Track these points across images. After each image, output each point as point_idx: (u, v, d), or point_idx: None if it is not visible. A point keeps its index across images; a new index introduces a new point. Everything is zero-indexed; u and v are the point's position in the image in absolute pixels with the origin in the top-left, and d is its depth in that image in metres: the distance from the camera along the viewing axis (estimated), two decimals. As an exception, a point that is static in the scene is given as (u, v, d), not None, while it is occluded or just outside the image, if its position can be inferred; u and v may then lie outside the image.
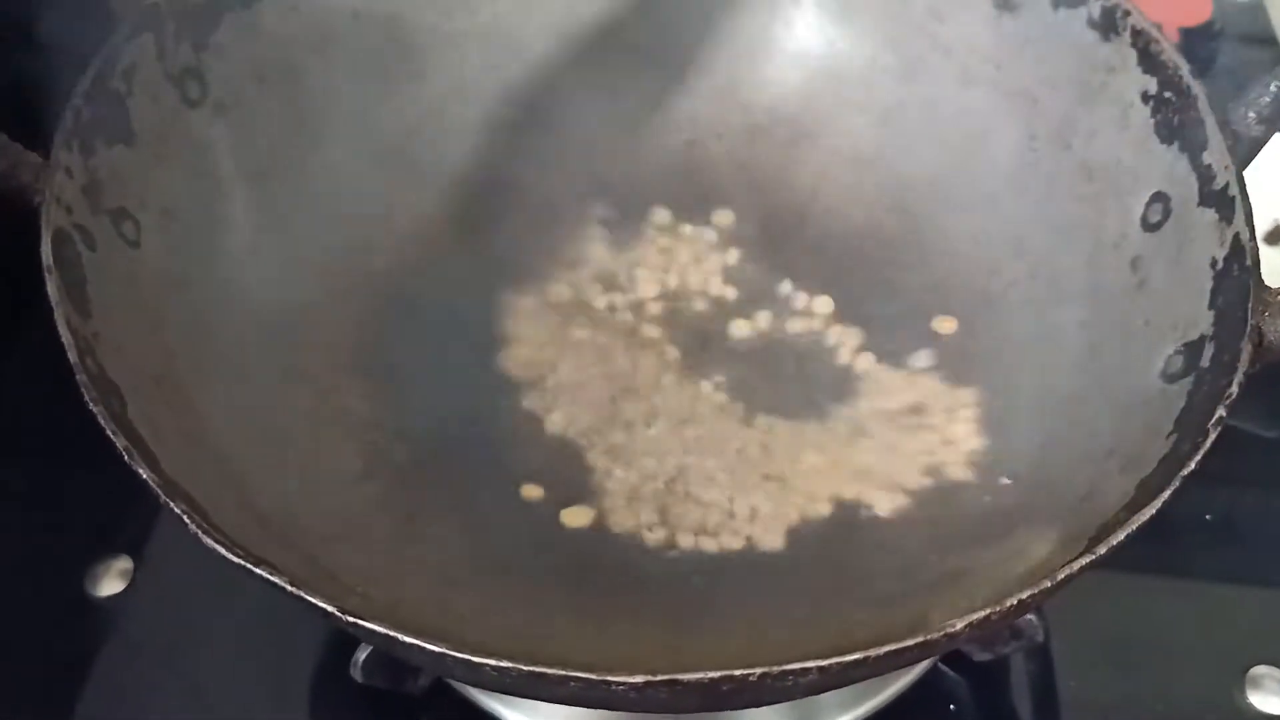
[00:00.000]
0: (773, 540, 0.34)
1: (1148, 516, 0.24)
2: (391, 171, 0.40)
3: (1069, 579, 0.23)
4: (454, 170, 0.41)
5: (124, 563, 0.38)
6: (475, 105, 0.42)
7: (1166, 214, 0.33)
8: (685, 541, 0.34)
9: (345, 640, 0.34)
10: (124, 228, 0.32)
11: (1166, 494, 0.24)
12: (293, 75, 0.38)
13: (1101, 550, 0.23)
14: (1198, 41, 0.53)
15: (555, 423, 0.36)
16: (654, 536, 0.34)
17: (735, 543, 0.34)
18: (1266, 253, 0.47)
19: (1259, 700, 0.36)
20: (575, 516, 0.34)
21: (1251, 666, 0.37)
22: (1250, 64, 0.56)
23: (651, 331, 0.39)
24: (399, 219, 0.40)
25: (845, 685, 0.24)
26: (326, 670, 0.36)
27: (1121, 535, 0.24)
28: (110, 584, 0.38)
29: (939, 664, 0.36)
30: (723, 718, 0.34)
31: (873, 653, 0.22)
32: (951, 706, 0.36)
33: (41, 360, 0.42)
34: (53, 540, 0.39)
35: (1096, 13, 0.36)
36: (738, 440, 0.36)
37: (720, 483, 0.35)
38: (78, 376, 0.26)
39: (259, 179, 0.37)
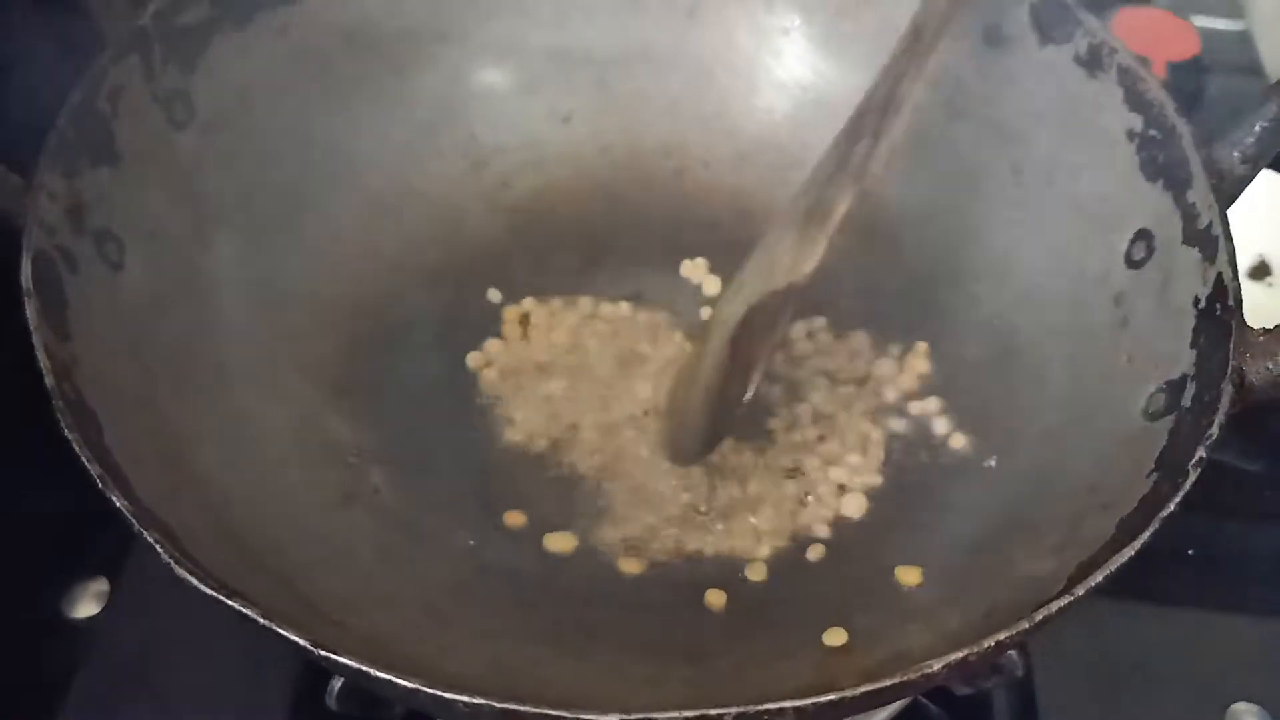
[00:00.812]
0: (756, 572, 0.34)
1: (1126, 558, 0.24)
2: (377, 196, 0.40)
3: (1046, 620, 0.23)
4: (440, 195, 0.41)
5: (100, 584, 0.38)
6: (462, 129, 0.42)
7: (1150, 251, 0.33)
8: (667, 571, 0.34)
9: (322, 668, 0.34)
10: (107, 249, 0.31)
11: (1145, 535, 0.24)
12: (281, 98, 0.38)
13: (1079, 592, 0.23)
14: (1185, 76, 0.54)
15: (539, 450, 0.36)
16: (636, 565, 0.34)
17: (719, 573, 0.34)
18: (1250, 288, 0.48)
19: (1240, 736, 0.36)
20: (558, 542, 0.34)
21: (1231, 704, 0.37)
22: (1237, 95, 0.56)
23: (639, 349, 0.39)
24: (383, 244, 0.40)
25: None
26: (302, 696, 0.36)
27: (1099, 577, 0.24)
28: (86, 606, 0.38)
29: (919, 697, 0.36)
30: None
31: (849, 693, 0.22)
32: (932, 739, 0.36)
33: (17, 381, 0.42)
34: (29, 562, 0.38)
35: (1084, 50, 0.36)
36: (723, 466, 0.36)
37: (704, 512, 0.35)
38: (54, 402, 0.25)
39: (245, 201, 0.37)
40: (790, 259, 0.32)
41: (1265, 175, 0.47)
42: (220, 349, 0.34)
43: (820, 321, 0.39)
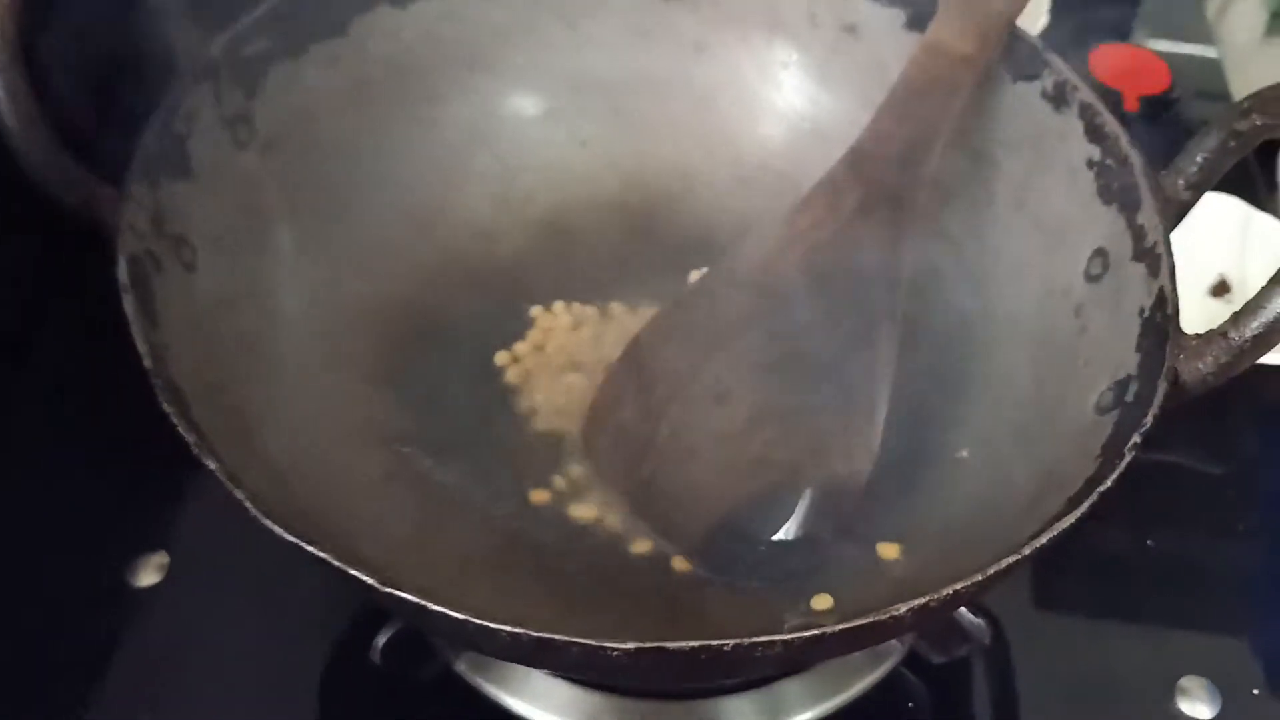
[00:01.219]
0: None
1: (1068, 524, 0.28)
2: (414, 209, 0.44)
3: (997, 575, 0.27)
4: (470, 210, 0.45)
5: (161, 557, 0.42)
6: (490, 150, 0.46)
7: (1105, 267, 0.37)
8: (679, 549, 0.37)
9: (364, 631, 0.38)
10: (183, 253, 0.35)
11: (1084, 506, 0.28)
12: (331, 120, 0.42)
13: (1026, 551, 0.27)
14: (1158, 108, 0.58)
15: (561, 437, 0.40)
16: (645, 545, 0.37)
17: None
18: (1211, 305, 0.52)
19: (1187, 707, 0.40)
20: (581, 511, 0.38)
21: (1180, 677, 0.41)
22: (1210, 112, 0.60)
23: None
24: (419, 253, 0.44)
25: (809, 662, 0.28)
26: (343, 657, 0.40)
27: (1044, 539, 0.27)
28: (148, 576, 0.41)
29: (900, 667, 0.40)
30: (702, 708, 0.38)
31: (829, 629, 0.25)
32: (910, 704, 0.40)
33: (87, 371, 0.47)
34: (98, 536, 0.42)
35: (1050, 87, 0.40)
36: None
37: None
38: (152, 381, 0.29)
39: (299, 211, 0.41)
40: None
41: (1226, 200, 0.52)
42: (278, 342, 0.38)
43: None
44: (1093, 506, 0.28)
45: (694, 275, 0.45)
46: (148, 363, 0.30)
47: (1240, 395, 0.48)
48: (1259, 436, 0.49)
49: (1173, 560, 0.45)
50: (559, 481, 0.39)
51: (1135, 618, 0.43)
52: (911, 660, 0.40)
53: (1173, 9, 0.67)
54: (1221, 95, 0.63)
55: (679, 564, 0.37)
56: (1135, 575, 0.44)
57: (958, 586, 0.26)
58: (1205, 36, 0.67)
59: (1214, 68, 0.65)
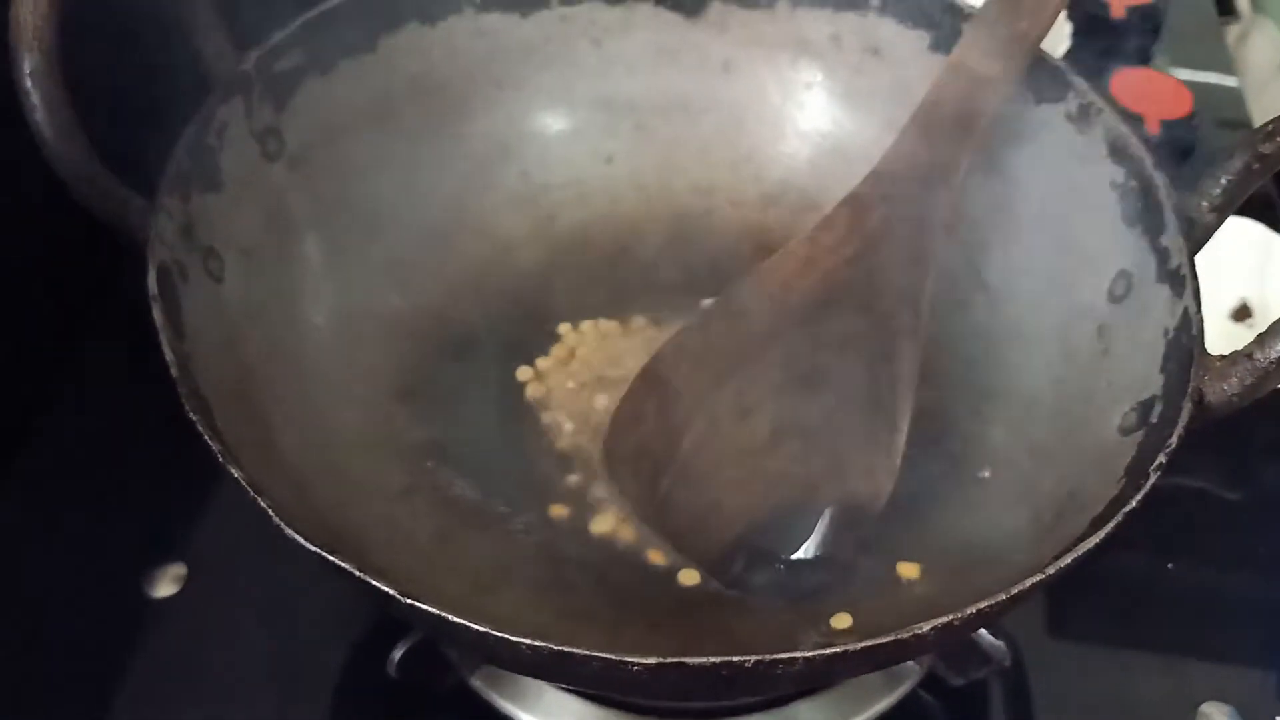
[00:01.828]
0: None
1: (1092, 544, 0.28)
2: (438, 223, 0.45)
3: (1021, 594, 0.27)
4: (493, 225, 0.46)
5: (179, 568, 0.42)
6: (514, 166, 0.47)
7: (1129, 289, 0.37)
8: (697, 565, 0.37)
9: (379, 643, 0.38)
10: (211, 264, 0.36)
11: (1109, 527, 0.28)
12: (358, 133, 0.43)
13: (1050, 571, 0.27)
14: (1179, 132, 0.58)
15: (581, 453, 0.40)
16: (662, 557, 0.37)
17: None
18: (1233, 329, 0.52)
19: (1211, 730, 0.40)
20: (601, 524, 0.38)
21: (1202, 702, 0.40)
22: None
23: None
24: (442, 266, 0.44)
25: (830, 681, 0.28)
26: (358, 669, 0.40)
27: (1068, 559, 0.27)
28: (166, 586, 0.42)
29: (918, 689, 0.40)
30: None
31: (850, 647, 0.25)
32: (928, 728, 0.39)
33: (109, 383, 0.47)
34: (116, 547, 0.42)
35: (1074, 109, 0.40)
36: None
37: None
38: (179, 389, 0.30)
39: (325, 224, 0.41)
40: None
41: (1248, 225, 0.52)
42: (301, 352, 0.38)
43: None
44: (1116, 528, 0.28)
45: (706, 303, 0.45)
46: (174, 372, 0.30)
47: (1262, 420, 0.48)
48: (1277, 461, 0.49)
49: (1193, 585, 0.44)
50: (579, 496, 0.39)
51: (1155, 643, 0.42)
52: (929, 682, 0.39)
53: (1193, 38, 0.68)
54: (1243, 123, 0.63)
55: (686, 577, 0.37)
56: (1155, 600, 0.44)
57: (981, 606, 0.26)
58: (1226, 65, 0.67)
59: (1234, 96, 0.65)
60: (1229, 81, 0.65)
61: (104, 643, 0.40)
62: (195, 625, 0.41)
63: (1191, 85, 0.60)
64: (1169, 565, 0.44)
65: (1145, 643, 0.42)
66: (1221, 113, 0.63)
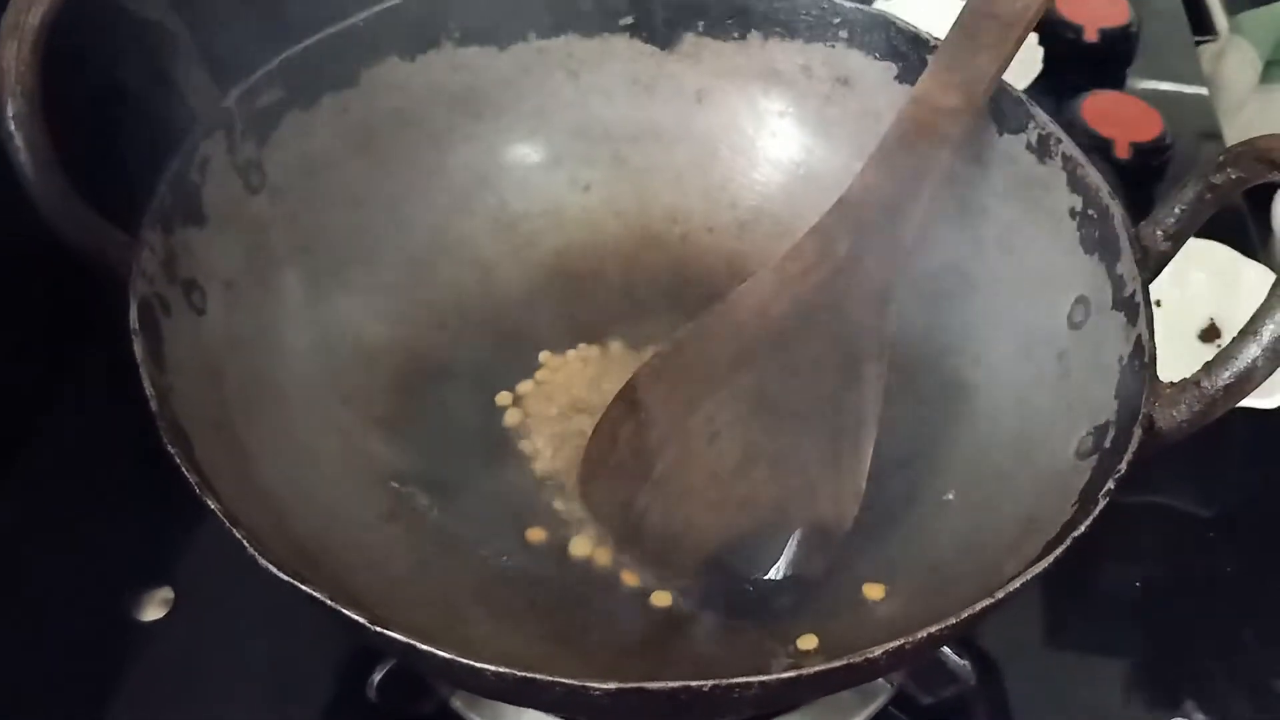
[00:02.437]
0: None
1: (1041, 569, 0.29)
2: (418, 252, 0.46)
3: (972, 618, 0.28)
4: (473, 253, 0.47)
5: (166, 592, 0.43)
6: (493, 195, 0.48)
7: (1087, 315, 0.38)
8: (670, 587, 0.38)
9: (361, 666, 0.39)
10: (193, 297, 0.37)
11: (1058, 552, 0.29)
12: (339, 166, 0.43)
13: (1000, 595, 0.28)
14: (1150, 154, 0.59)
15: (559, 477, 0.41)
16: (634, 578, 0.38)
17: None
18: (1201, 349, 0.53)
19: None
20: (579, 547, 0.39)
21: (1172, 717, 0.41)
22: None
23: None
24: (423, 294, 0.45)
25: (792, 703, 0.28)
26: (341, 692, 0.40)
27: (1017, 584, 0.28)
28: (153, 610, 0.42)
29: (889, 707, 0.41)
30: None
31: (805, 672, 0.26)
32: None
33: (94, 407, 0.48)
34: (103, 570, 0.43)
35: (1034, 140, 0.41)
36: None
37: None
38: (158, 423, 0.31)
39: (306, 254, 0.42)
40: None
41: (1216, 247, 0.53)
42: (282, 380, 0.39)
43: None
44: (1065, 552, 0.29)
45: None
46: (154, 405, 0.31)
47: (1229, 439, 0.49)
48: (1247, 480, 0.49)
49: (1163, 600, 0.45)
50: (557, 519, 0.40)
51: (1127, 655, 0.43)
52: (901, 699, 0.40)
53: (1168, 55, 0.69)
54: (1216, 134, 0.64)
55: (659, 599, 0.38)
56: (1127, 614, 0.45)
57: (932, 630, 0.27)
58: (1200, 79, 0.68)
59: (1207, 109, 0.66)
60: (1204, 91, 0.66)
61: (90, 668, 0.41)
62: (183, 649, 0.41)
63: (1165, 96, 0.61)
64: (1137, 583, 0.45)
65: (1117, 655, 0.43)
66: (1196, 126, 0.64)
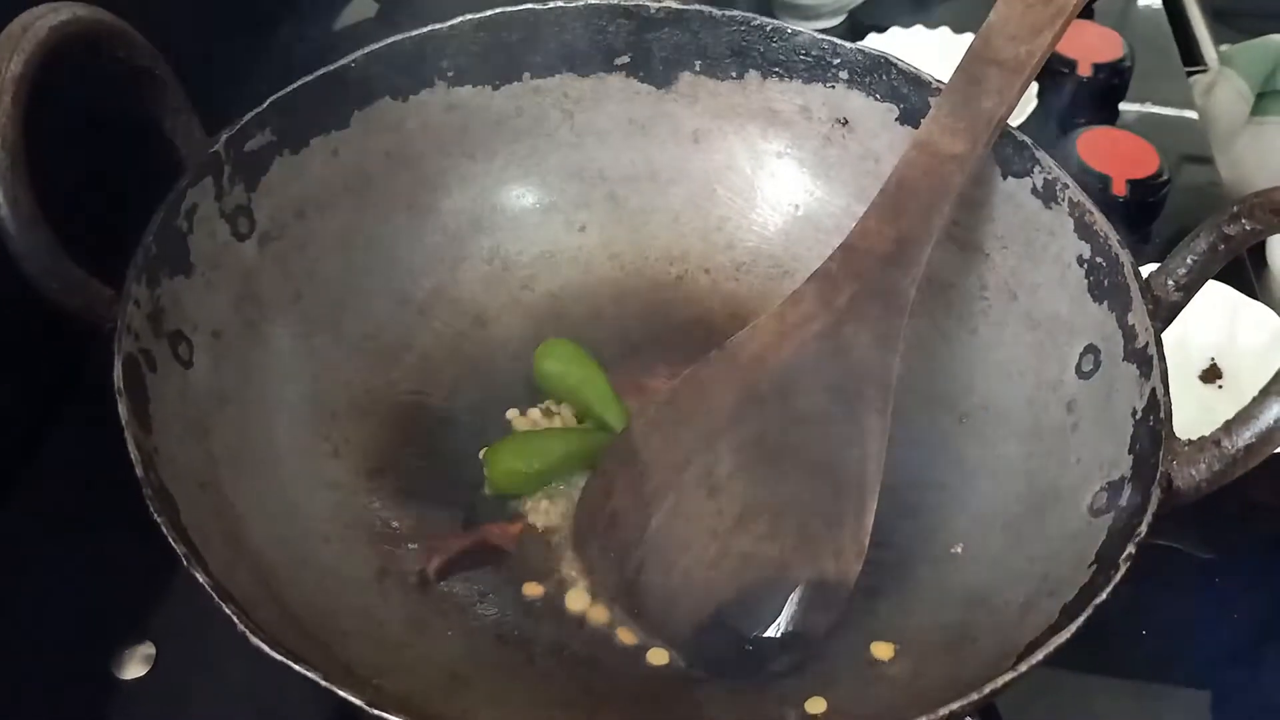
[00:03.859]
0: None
1: (1065, 639, 0.28)
2: (410, 295, 0.45)
3: (994, 693, 0.27)
4: (467, 296, 0.46)
5: (147, 648, 0.41)
6: (487, 237, 0.47)
7: (1097, 365, 0.37)
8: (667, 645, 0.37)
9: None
10: (180, 349, 0.36)
11: (1080, 620, 0.28)
12: (329, 210, 0.43)
13: (1023, 668, 0.27)
14: (1146, 190, 0.59)
15: (560, 528, 0.40)
16: (631, 636, 0.37)
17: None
18: (1202, 390, 0.52)
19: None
20: (576, 601, 0.38)
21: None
22: (1195, 203, 0.61)
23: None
24: (415, 339, 0.44)
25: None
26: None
27: (1039, 655, 0.27)
28: (134, 668, 0.41)
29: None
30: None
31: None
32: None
33: (73, 459, 0.46)
34: (83, 626, 0.41)
35: (1040, 184, 0.41)
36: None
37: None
38: (144, 489, 0.29)
39: (295, 302, 0.41)
40: None
41: (1217, 287, 0.53)
42: (271, 434, 0.38)
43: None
44: (1087, 621, 0.28)
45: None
46: (139, 470, 0.30)
47: (1235, 483, 0.48)
48: (1251, 524, 0.49)
49: (1164, 643, 0.44)
50: (553, 574, 0.39)
51: (1128, 698, 0.42)
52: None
53: (1160, 87, 0.68)
54: (1207, 158, 0.64)
55: (655, 656, 0.37)
56: (1127, 656, 0.44)
57: (954, 707, 0.26)
58: (1193, 108, 0.68)
59: (1201, 135, 0.66)
60: (1191, 116, 0.66)
61: (69, 726, 0.39)
62: (165, 709, 0.40)
63: (1158, 128, 0.61)
64: (1143, 631, 0.44)
65: (1117, 697, 0.42)
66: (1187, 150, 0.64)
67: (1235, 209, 0.34)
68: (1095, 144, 0.59)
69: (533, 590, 0.38)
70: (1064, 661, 0.41)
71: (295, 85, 0.41)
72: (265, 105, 0.40)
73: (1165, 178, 0.58)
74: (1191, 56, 0.77)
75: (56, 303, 0.32)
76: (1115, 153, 0.59)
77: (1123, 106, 0.66)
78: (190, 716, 0.40)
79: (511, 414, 0.43)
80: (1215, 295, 0.52)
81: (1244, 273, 0.56)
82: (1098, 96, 0.65)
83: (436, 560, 0.38)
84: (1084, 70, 0.64)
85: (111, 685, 0.40)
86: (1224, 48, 0.75)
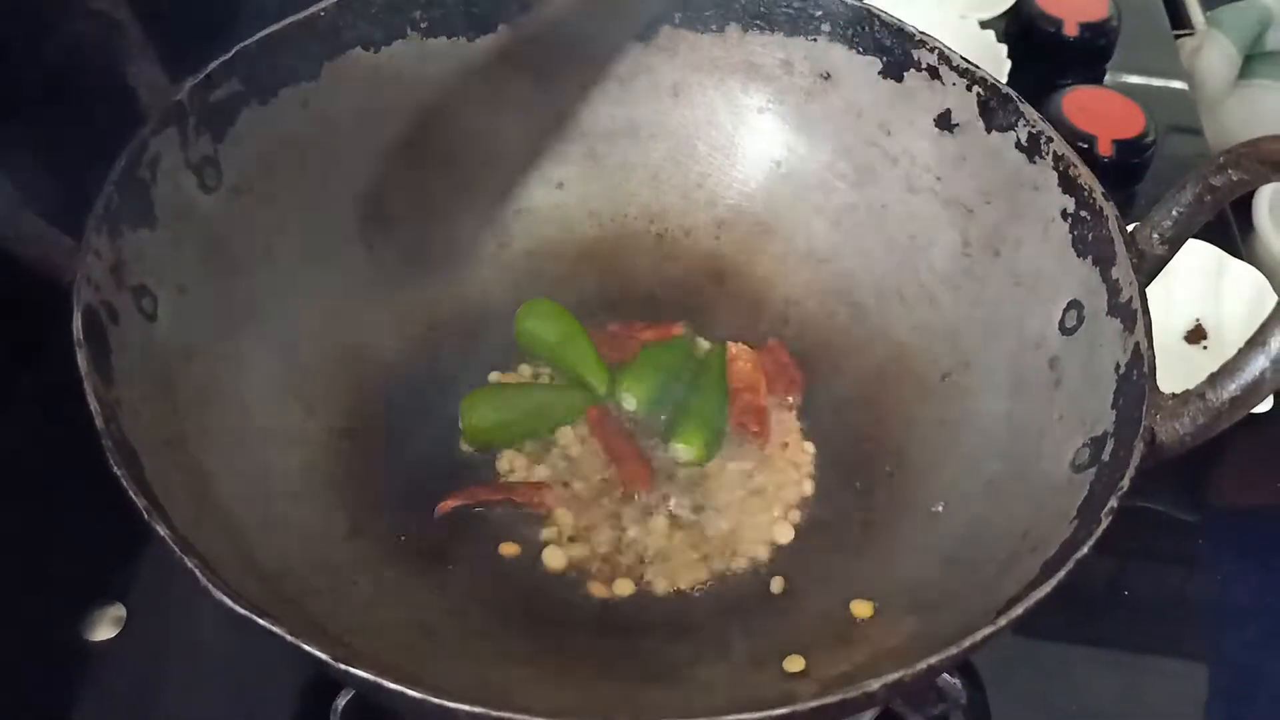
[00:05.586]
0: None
1: (1045, 593, 0.27)
2: (385, 250, 0.44)
3: (973, 646, 0.26)
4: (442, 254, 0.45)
5: (118, 610, 0.41)
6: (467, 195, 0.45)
7: (1080, 320, 0.37)
8: (636, 598, 0.37)
9: (323, 689, 0.37)
10: (143, 303, 0.35)
11: (1061, 574, 0.28)
12: (299, 161, 0.41)
13: (1002, 622, 0.27)
14: (1132, 151, 0.58)
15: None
16: (603, 589, 0.37)
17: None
18: (1186, 350, 0.52)
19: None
20: (552, 560, 0.37)
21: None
22: (1181, 160, 0.60)
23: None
24: (388, 295, 0.43)
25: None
26: (304, 717, 0.39)
27: (1020, 610, 0.27)
28: (104, 629, 0.40)
29: (878, 722, 0.39)
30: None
31: (799, 707, 0.25)
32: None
33: (39, 415, 0.45)
34: (52, 588, 0.41)
35: (1024, 138, 0.40)
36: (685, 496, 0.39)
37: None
38: (103, 441, 0.29)
39: (264, 257, 0.40)
40: None
41: (1201, 246, 0.52)
42: (239, 391, 0.37)
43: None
44: (1068, 575, 0.28)
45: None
46: (99, 422, 0.29)
47: (1217, 444, 0.48)
48: (1235, 485, 0.49)
49: (1149, 604, 0.44)
50: (529, 533, 0.38)
51: (1112, 661, 0.42)
52: (888, 716, 0.39)
53: (1146, 49, 0.68)
54: (1195, 129, 0.63)
55: (622, 587, 0.37)
56: (1112, 619, 0.44)
57: (932, 661, 0.26)
58: (1180, 73, 0.67)
59: (1187, 104, 0.65)
60: (1182, 85, 0.65)
61: (39, 691, 0.39)
62: (135, 671, 0.39)
63: (1144, 94, 0.60)
64: (1125, 591, 0.44)
65: (1103, 662, 0.42)
66: (1174, 119, 0.63)
67: (1221, 159, 0.34)
68: (1081, 103, 0.58)
69: (509, 550, 0.38)
70: (1046, 632, 0.42)
71: (263, 34, 0.39)
72: (232, 54, 0.39)
73: (1151, 138, 0.58)
74: (1179, 19, 0.76)
75: (14, 253, 0.31)
76: (1101, 112, 0.58)
77: (1109, 79, 0.65)
78: (162, 678, 0.39)
79: (493, 376, 0.43)
80: (1200, 255, 0.52)
81: (1230, 233, 0.55)
82: (1083, 56, 0.64)
83: (453, 502, 0.38)
84: (1070, 29, 0.63)
85: (81, 648, 0.40)
86: (1211, 11, 0.75)
